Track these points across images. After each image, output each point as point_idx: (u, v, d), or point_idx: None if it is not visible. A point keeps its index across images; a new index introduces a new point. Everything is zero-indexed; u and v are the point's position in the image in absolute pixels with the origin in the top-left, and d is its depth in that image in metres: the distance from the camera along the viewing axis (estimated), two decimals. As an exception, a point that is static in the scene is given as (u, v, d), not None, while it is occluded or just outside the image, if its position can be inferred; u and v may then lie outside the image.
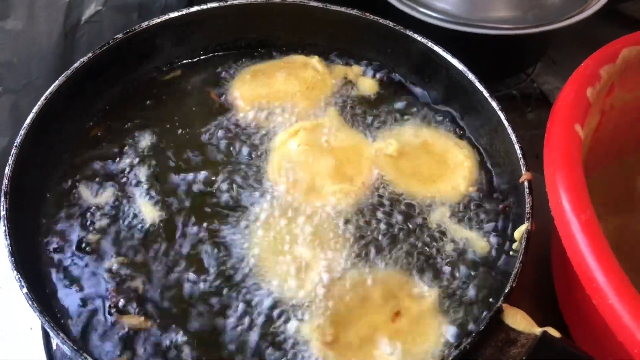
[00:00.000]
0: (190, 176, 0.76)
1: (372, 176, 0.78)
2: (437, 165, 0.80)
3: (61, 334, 0.59)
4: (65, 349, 0.59)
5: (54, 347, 0.76)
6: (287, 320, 0.66)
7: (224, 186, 0.76)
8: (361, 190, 0.76)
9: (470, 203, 0.77)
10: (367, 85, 0.89)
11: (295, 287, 0.67)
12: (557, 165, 0.66)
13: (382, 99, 0.88)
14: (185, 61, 0.90)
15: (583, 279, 0.59)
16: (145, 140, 0.80)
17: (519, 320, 0.61)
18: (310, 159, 0.78)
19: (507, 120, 0.76)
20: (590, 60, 0.76)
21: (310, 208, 0.74)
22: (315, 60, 0.90)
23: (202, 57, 0.91)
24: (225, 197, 0.75)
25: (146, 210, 0.73)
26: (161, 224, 0.72)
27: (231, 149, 0.80)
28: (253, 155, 0.79)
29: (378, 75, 0.90)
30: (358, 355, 0.63)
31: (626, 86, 0.80)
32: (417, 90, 0.89)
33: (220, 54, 0.92)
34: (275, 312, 0.66)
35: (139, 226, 0.72)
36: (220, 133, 0.81)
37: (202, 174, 0.77)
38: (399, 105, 0.87)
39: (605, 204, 0.83)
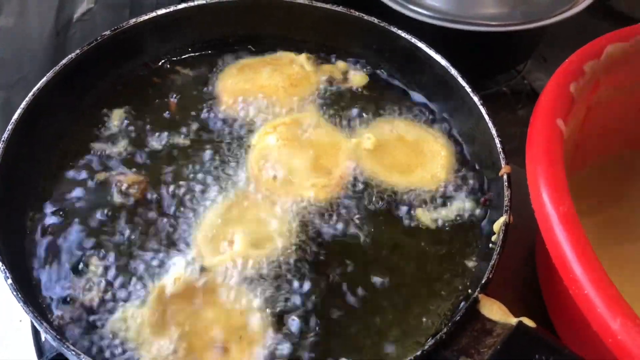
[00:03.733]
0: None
1: (349, 170, 0.78)
2: (415, 156, 0.81)
3: (44, 324, 0.60)
4: (49, 338, 0.60)
5: (43, 339, 0.78)
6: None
7: (201, 171, 0.78)
8: (338, 184, 0.77)
9: (450, 189, 0.78)
10: (358, 79, 0.90)
11: (207, 252, 0.70)
12: (538, 159, 0.67)
13: (365, 96, 0.88)
14: (173, 58, 0.91)
15: (561, 270, 0.60)
16: (132, 133, 0.82)
17: (495, 310, 0.62)
18: (289, 153, 0.79)
19: (487, 114, 0.77)
20: (575, 56, 0.77)
21: (277, 201, 0.75)
22: (302, 58, 0.91)
23: (190, 54, 0.92)
24: (200, 176, 0.77)
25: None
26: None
27: (213, 140, 0.81)
28: (232, 147, 0.81)
29: (366, 71, 0.91)
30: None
31: (612, 82, 0.81)
32: (402, 86, 0.90)
33: (209, 51, 0.92)
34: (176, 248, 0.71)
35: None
36: (203, 124, 0.83)
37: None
38: (381, 102, 0.87)
39: (593, 198, 0.84)
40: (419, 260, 0.72)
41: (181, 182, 0.76)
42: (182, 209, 0.74)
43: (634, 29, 0.81)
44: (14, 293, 0.61)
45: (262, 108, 0.85)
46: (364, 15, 0.88)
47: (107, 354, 0.63)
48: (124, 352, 0.63)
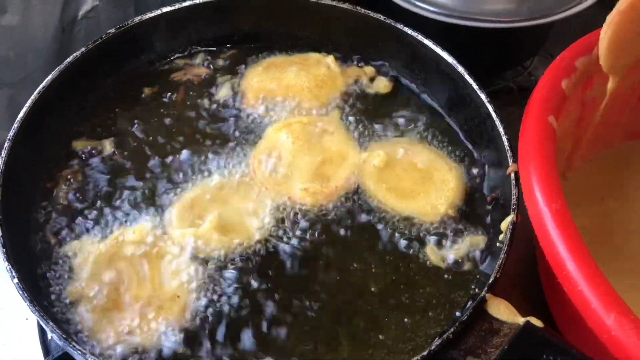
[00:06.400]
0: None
1: (348, 183, 0.77)
2: (422, 182, 0.77)
3: (51, 323, 0.60)
4: (55, 337, 0.60)
5: (49, 337, 0.77)
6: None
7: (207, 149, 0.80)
8: (332, 193, 0.76)
9: (446, 226, 0.74)
10: (381, 85, 0.89)
11: (177, 220, 0.72)
12: (530, 157, 0.67)
13: (389, 105, 0.87)
14: (179, 55, 0.91)
15: (554, 267, 0.60)
16: (139, 129, 0.82)
17: (502, 310, 0.62)
18: (295, 153, 0.78)
19: (495, 112, 0.76)
20: (566, 53, 0.76)
21: (264, 196, 0.75)
22: (329, 60, 0.90)
23: (196, 51, 0.92)
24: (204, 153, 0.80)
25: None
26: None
27: (225, 131, 0.83)
28: (244, 136, 0.82)
29: (390, 77, 0.90)
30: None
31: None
32: (421, 94, 0.89)
33: (214, 48, 0.92)
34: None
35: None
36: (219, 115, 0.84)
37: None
38: (401, 117, 0.85)
39: (592, 192, 0.84)
40: (386, 289, 0.70)
41: (186, 154, 0.79)
42: (178, 175, 0.77)
43: None
44: (20, 292, 0.61)
45: (285, 107, 0.84)
46: (370, 12, 0.88)
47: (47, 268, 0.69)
48: (60, 274, 0.68)
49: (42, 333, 0.78)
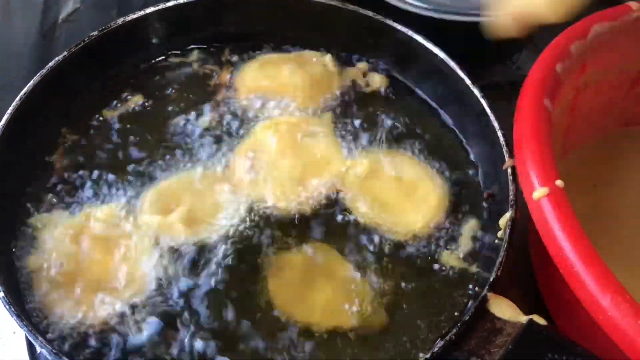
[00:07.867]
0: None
1: (326, 190, 0.75)
2: (404, 196, 0.75)
3: (39, 338, 0.58)
4: (44, 352, 0.58)
5: (38, 351, 0.75)
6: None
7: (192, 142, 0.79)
8: (308, 199, 0.74)
9: (440, 229, 0.73)
10: (377, 80, 0.87)
11: (147, 207, 0.72)
12: (525, 139, 0.66)
13: (380, 108, 0.84)
14: (164, 57, 0.89)
15: (550, 248, 0.59)
16: (125, 127, 0.81)
17: (504, 308, 0.61)
18: (278, 153, 0.77)
19: (489, 107, 0.75)
20: (561, 37, 0.75)
21: (238, 193, 0.74)
22: (327, 58, 0.88)
23: (180, 52, 0.90)
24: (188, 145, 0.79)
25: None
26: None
27: (212, 126, 0.81)
28: (230, 134, 0.80)
29: (385, 74, 0.88)
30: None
31: (599, 64, 0.80)
32: (414, 92, 0.87)
33: (198, 47, 0.90)
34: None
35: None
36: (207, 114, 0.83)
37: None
38: (393, 118, 0.83)
39: (584, 180, 0.84)
40: (383, 294, 0.68)
41: (168, 147, 0.78)
42: (158, 164, 0.76)
43: (620, 9, 0.80)
44: (7, 307, 0.59)
45: (278, 106, 0.82)
46: (358, 8, 0.86)
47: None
48: (24, 245, 0.69)
49: (31, 347, 0.76)
